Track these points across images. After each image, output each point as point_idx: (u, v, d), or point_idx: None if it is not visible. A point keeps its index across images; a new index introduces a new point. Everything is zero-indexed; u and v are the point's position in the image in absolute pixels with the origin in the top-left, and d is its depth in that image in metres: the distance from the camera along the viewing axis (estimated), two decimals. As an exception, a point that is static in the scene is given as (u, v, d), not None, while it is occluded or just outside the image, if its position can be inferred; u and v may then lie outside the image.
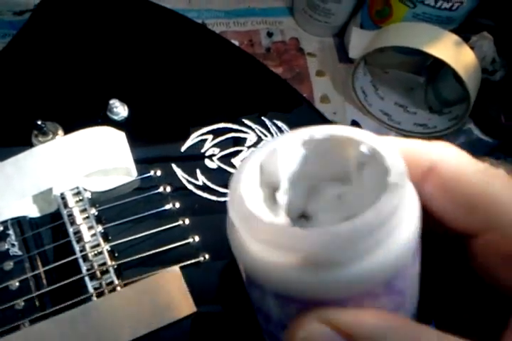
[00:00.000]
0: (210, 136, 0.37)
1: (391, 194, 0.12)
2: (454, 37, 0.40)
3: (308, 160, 0.16)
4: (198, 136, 0.37)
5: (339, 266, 0.12)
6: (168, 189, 0.34)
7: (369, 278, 0.12)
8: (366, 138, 0.14)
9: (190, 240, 0.32)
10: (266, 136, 0.37)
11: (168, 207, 0.33)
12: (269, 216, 0.15)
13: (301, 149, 0.15)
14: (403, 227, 0.13)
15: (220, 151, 0.36)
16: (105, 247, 0.31)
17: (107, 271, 0.30)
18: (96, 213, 0.33)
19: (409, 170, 0.13)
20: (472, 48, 0.41)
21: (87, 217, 0.32)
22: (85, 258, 0.31)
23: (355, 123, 0.49)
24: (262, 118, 0.38)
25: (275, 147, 0.15)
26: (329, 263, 0.12)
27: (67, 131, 0.35)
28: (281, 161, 0.15)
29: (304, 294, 0.13)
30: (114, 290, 0.30)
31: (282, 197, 0.16)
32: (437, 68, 0.48)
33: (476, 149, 0.46)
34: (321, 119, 0.39)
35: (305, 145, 0.15)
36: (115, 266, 0.31)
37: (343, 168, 0.16)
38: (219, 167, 0.36)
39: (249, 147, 0.37)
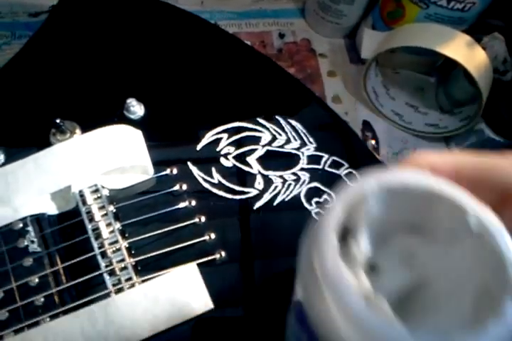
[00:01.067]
0: (225, 135, 0.37)
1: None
2: (467, 37, 0.41)
3: (388, 208, 0.15)
4: (213, 135, 0.37)
5: None
6: (184, 187, 0.35)
7: None
8: (471, 206, 0.13)
9: (206, 238, 0.33)
10: (280, 134, 0.38)
11: (184, 204, 0.34)
12: (352, 279, 0.13)
13: (386, 196, 0.15)
14: None
15: (235, 150, 0.36)
16: (123, 244, 0.31)
17: (125, 268, 0.31)
18: (114, 210, 0.33)
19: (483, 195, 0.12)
20: (484, 49, 0.42)
21: (105, 214, 0.32)
22: (104, 254, 0.31)
23: (366, 124, 0.49)
24: (277, 117, 0.38)
25: (363, 192, 0.14)
26: None
27: (84, 130, 0.35)
28: (366, 207, 0.15)
29: None
30: (132, 286, 0.30)
31: (357, 247, 0.15)
32: (448, 69, 0.48)
33: (487, 149, 0.46)
34: (335, 118, 0.39)
35: (392, 193, 0.14)
36: (133, 263, 0.31)
37: (427, 222, 0.15)
38: (234, 165, 0.36)
39: (263, 145, 0.37)
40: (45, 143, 0.35)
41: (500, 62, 0.43)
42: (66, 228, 0.32)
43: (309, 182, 0.36)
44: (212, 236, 0.33)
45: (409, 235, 0.16)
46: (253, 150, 0.37)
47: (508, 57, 0.43)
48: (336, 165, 0.37)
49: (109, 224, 0.32)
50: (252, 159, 0.36)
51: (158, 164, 0.35)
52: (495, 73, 0.43)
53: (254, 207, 0.35)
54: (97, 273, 0.30)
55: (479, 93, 0.40)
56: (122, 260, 0.31)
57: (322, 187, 0.36)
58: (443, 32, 0.40)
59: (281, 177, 0.36)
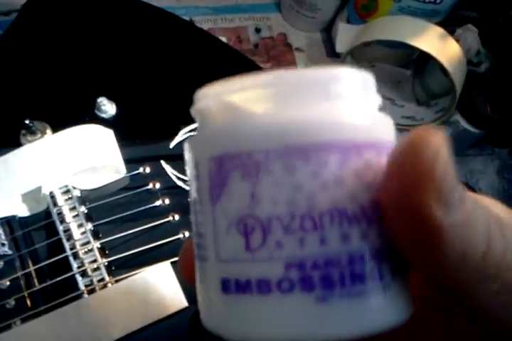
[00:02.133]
0: (198, 133, 0.37)
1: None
2: (439, 29, 0.41)
3: None
4: (186, 133, 0.37)
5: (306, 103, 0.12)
6: (158, 185, 0.34)
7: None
8: None
9: (181, 236, 0.33)
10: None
11: (157, 203, 0.34)
12: None
13: None
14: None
15: (209, 147, 0.36)
16: (95, 245, 0.31)
17: (97, 268, 0.31)
18: (86, 211, 0.33)
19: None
20: (457, 41, 0.42)
21: (77, 215, 0.32)
22: (76, 255, 0.31)
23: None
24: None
25: None
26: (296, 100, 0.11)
27: (55, 130, 0.35)
28: None
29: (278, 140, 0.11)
30: (105, 287, 0.30)
31: None
32: (424, 61, 0.48)
33: (463, 140, 0.47)
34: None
35: None
36: (106, 263, 0.31)
37: None
38: (208, 163, 0.36)
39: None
40: (15, 144, 0.34)
41: (474, 54, 0.43)
42: (37, 230, 0.32)
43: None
44: (187, 234, 0.33)
45: None
46: (227, 147, 0.37)
47: (481, 49, 0.43)
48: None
49: (80, 225, 0.32)
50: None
51: (130, 163, 0.35)
52: (469, 65, 0.43)
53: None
54: (68, 274, 0.30)
55: (453, 85, 0.41)
56: (95, 261, 0.31)
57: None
58: (415, 25, 0.40)
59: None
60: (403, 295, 0.12)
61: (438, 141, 0.10)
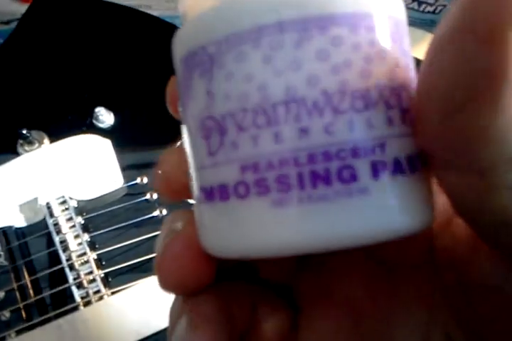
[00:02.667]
0: (196, 143, 0.37)
1: None
2: (438, 40, 0.41)
3: None
4: (184, 143, 0.37)
5: None
6: (155, 196, 0.34)
7: None
8: None
9: (178, 247, 0.32)
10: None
11: (155, 213, 0.33)
12: None
13: None
14: None
15: (207, 157, 0.36)
16: (92, 256, 0.31)
17: (94, 280, 0.30)
18: (82, 221, 0.32)
19: None
20: (457, 51, 0.42)
21: (74, 226, 0.32)
22: (72, 267, 0.30)
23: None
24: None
25: None
26: None
27: (52, 140, 0.35)
28: None
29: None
30: (101, 298, 0.30)
31: None
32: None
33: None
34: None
35: None
36: (102, 275, 0.31)
37: None
38: (206, 173, 0.36)
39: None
40: (13, 154, 0.34)
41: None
42: (34, 241, 0.32)
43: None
44: (184, 245, 0.33)
45: None
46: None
47: (481, 59, 0.43)
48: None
49: (77, 236, 0.31)
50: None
51: (128, 173, 0.35)
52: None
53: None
54: (64, 286, 0.30)
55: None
56: (91, 272, 0.31)
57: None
58: (413, 34, 0.40)
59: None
60: (394, 201, 0.10)
61: None
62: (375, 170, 0.10)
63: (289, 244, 0.10)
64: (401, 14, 0.11)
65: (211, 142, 0.10)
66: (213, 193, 0.10)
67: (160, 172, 0.13)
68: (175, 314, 0.13)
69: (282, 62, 0.10)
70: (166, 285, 0.12)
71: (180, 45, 0.11)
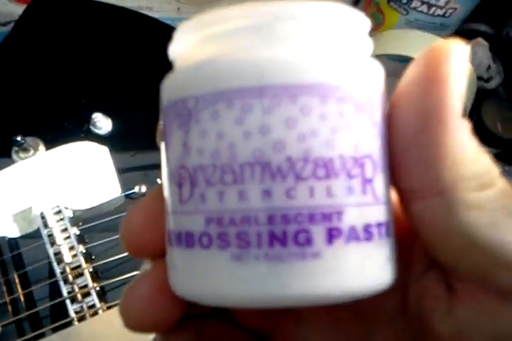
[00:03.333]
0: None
1: None
2: (448, 44, 0.39)
3: None
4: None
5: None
6: (154, 205, 0.33)
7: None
8: None
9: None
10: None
11: (153, 224, 0.32)
12: None
13: None
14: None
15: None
16: (87, 268, 0.30)
17: (89, 294, 0.29)
18: (78, 232, 0.31)
19: None
20: (467, 55, 0.40)
21: (69, 237, 0.31)
22: (66, 280, 0.29)
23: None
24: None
25: None
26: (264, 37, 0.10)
27: (48, 147, 0.34)
28: None
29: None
30: (96, 313, 0.29)
31: None
32: (432, 75, 0.47)
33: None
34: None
35: None
36: (97, 288, 0.30)
37: None
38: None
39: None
40: (7, 162, 0.33)
41: (485, 69, 0.42)
42: (27, 252, 0.31)
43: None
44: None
45: None
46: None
47: (492, 64, 0.42)
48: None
49: (72, 248, 0.30)
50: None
51: (126, 181, 0.33)
52: (479, 80, 0.41)
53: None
54: (58, 300, 0.29)
55: (462, 101, 0.39)
56: (86, 286, 0.29)
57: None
58: (423, 38, 0.39)
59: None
60: (344, 267, 0.10)
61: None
62: (330, 236, 0.10)
63: (243, 297, 0.10)
64: (375, 85, 0.11)
65: (183, 190, 0.11)
66: (181, 239, 0.11)
67: (125, 231, 0.13)
68: None
69: (252, 125, 0.10)
70: (127, 324, 0.13)
71: (165, 92, 0.12)
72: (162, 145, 0.12)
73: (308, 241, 0.10)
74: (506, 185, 0.11)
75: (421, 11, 0.40)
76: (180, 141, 0.11)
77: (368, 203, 0.11)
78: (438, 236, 0.11)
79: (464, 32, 0.44)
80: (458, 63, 0.11)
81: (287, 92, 0.10)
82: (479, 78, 0.42)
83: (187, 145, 0.11)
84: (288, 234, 0.10)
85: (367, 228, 0.11)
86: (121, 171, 0.33)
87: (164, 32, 0.41)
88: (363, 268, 0.11)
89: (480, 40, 0.42)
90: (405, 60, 0.43)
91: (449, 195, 0.10)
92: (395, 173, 0.11)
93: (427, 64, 0.11)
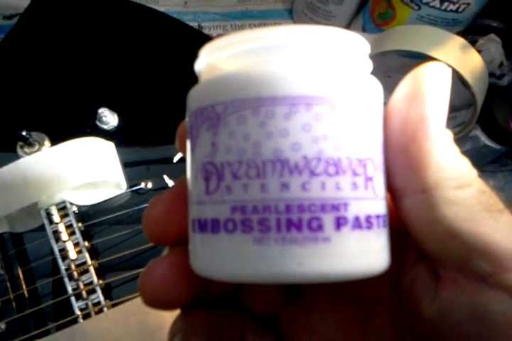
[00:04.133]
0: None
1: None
2: (460, 40, 0.38)
3: None
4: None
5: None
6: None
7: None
8: None
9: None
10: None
11: (159, 221, 0.32)
12: None
13: None
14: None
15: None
16: (92, 265, 0.29)
17: (94, 291, 0.29)
18: (83, 228, 0.31)
19: None
20: (479, 51, 0.39)
21: (74, 233, 0.30)
22: (71, 276, 0.29)
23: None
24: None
25: None
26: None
27: (54, 142, 0.33)
28: None
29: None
30: (101, 311, 0.28)
31: None
32: (442, 72, 0.46)
33: (483, 156, 0.44)
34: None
35: None
36: (103, 285, 0.29)
37: None
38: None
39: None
40: (12, 157, 0.33)
41: (497, 65, 0.41)
42: (32, 248, 0.31)
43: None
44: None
45: None
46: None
47: (504, 61, 0.41)
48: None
49: (77, 244, 0.30)
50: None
51: (132, 178, 0.33)
52: (491, 77, 0.41)
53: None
54: (63, 297, 0.28)
55: (474, 98, 0.38)
56: (91, 282, 0.29)
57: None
58: (435, 34, 0.38)
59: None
60: (349, 250, 0.12)
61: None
62: (338, 223, 0.12)
63: (263, 274, 0.12)
64: (377, 99, 0.13)
65: (210, 183, 0.13)
66: (206, 225, 0.13)
67: (148, 218, 0.15)
68: (172, 331, 0.15)
69: (274, 128, 0.12)
70: (145, 300, 0.14)
71: (193, 100, 0.13)
72: (188, 145, 0.14)
73: (320, 227, 0.12)
74: (482, 185, 0.13)
75: (433, 6, 0.39)
76: (209, 141, 0.13)
77: (369, 197, 0.12)
78: (423, 229, 0.13)
79: (476, 28, 0.43)
80: (439, 82, 0.13)
81: (304, 102, 0.12)
82: (491, 75, 0.41)
83: (215, 145, 0.13)
84: (303, 221, 0.12)
85: (368, 218, 0.12)
86: (127, 166, 0.33)
87: (171, 25, 0.40)
88: (365, 252, 0.12)
89: (492, 36, 0.41)
90: (416, 56, 0.42)
91: (432, 193, 0.12)
92: (388, 174, 0.13)
93: (413, 83, 0.13)
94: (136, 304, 0.28)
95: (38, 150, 0.33)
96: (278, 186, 0.12)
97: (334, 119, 0.12)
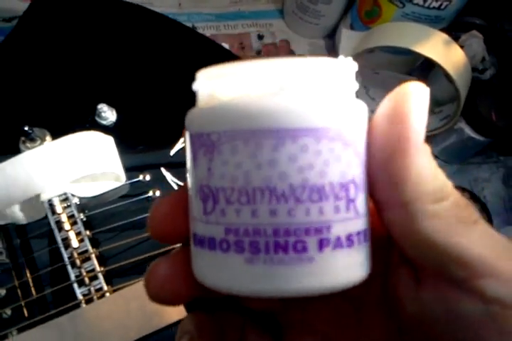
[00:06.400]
0: (199, 140, 0.36)
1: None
2: (443, 36, 0.40)
3: None
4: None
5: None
6: (158, 193, 0.34)
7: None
8: None
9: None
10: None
11: (157, 211, 0.33)
12: None
13: None
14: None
15: (210, 154, 0.36)
16: (94, 253, 0.31)
17: (96, 277, 0.30)
18: (84, 219, 0.32)
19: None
20: (462, 47, 0.41)
21: (75, 223, 0.32)
22: (74, 264, 0.30)
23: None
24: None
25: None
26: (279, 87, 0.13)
27: (55, 137, 0.34)
28: None
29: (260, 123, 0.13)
30: (103, 296, 0.30)
31: None
32: (428, 68, 0.47)
33: (468, 148, 0.46)
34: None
35: None
36: (104, 272, 0.30)
37: None
38: (208, 170, 0.35)
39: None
40: (14, 151, 0.34)
41: (479, 60, 0.43)
42: (36, 238, 0.32)
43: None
44: (187, 243, 0.32)
45: None
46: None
47: (486, 56, 0.43)
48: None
49: (79, 233, 0.31)
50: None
51: (130, 170, 0.34)
52: (474, 72, 0.42)
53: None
54: (66, 283, 0.30)
55: (457, 92, 0.40)
56: (93, 270, 0.30)
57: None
58: (419, 31, 0.40)
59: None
60: (331, 267, 0.13)
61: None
62: (321, 245, 0.13)
63: (255, 290, 0.14)
64: (360, 122, 0.14)
65: (207, 205, 0.14)
66: (204, 242, 0.14)
67: (153, 218, 0.16)
68: (180, 331, 0.17)
69: (263, 159, 0.13)
70: (149, 296, 0.16)
71: (191, 124, 0.14)
72: (188, 161, 0.14)
73: (305, 249, 0.13)
74: (458, 198, 0.14)
75: (417, 4, 0.41)
76: (206, 165, 0.14)
77: (350, 218, 0.14)
78: (403, 239, 0.14)
79: (458, 24, 0.45)
80: (417, 103, 0.13)
81: (290, 134, 0.13)
82: (474, 69, 0.42)
83: (211, 170, 0.14)
84: (289, 244, 0.13)
85: (349, 237, 0.14)
86: (127, 164, 0.34)
87: (167, 25, 0.42)
88: (346, 267, 0.14)
89: (474, 32, 0.43)
90: (401, 52, 0.44)
91: (411, 207, 0.13)
92: (371, 188, 0.14)
93: (393, 103, 0.13)
94: (136, 289, 0.29)
95: (39, 144, 0.34)
96: (267, 212, 0.13)
97: (319, 149, 0.13)
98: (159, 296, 0.16)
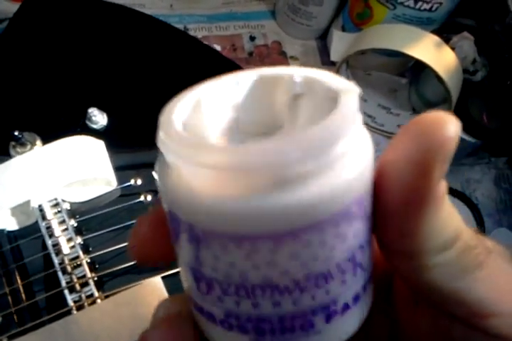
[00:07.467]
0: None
1: (345, 97, 0.11)
2: (434, 38, 0.40)
3: (239, 109, 0.14)
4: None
5: (287, 186, 0.10)
6: (150, 198, 0.34)
7: (313, 206, 0.11)
8: (298, 71, 0.13)
9: (172, 249, 0.32)
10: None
11: (149, 216, 0.33)
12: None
13: (230, 98, 0.14)
14: (357, 152, 0.11)
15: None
16: (85, 259, 0.31)
17: (87, 284, 0.30)
18: (75, 224, 0.32)
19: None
20: (453, 49, 0.41)
21: (66, 229, 0.31)
22: (64, 270, 0.30)
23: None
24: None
25: (198, 98, 0.13)
26: (272, 183, 0.10)
27: (45, 141, 0.34)
28: (207, 115, 0.13)
29: (239, 227, 0.11)
30: (94, 302, 0.29)
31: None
32: (420, 69, 0.48)
33: (459, 149, 0.46)
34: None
35: (233, 92, 0.13)
36: (95, 278, 0.30)
37: (275, 114, 0.14)
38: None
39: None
40: (5, 156, 0.34)
41: (470, 62, 0.43)
42: (26, 244, 0.32)
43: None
44: (178, 247, 0.32)
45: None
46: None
47: (477, 57, 0.43)
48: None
49: (70, 239, 0.31)
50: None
51: (122, 175, 0.34)
52: (465, 73, 0.42)
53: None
54: (56, 290, 0.29)
55: (448, 93, 0.40)
56: (84, 276, 0.30)
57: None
58: (410, 33, 0.40)
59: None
60: (338, 330, 0.13)
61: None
62: (328, 318, 0.12)
63: None
64: (362, 200, 0.12)
65: (200, 286, 0.12)
66: (203, 312, 0.13)
67: (134, 240, 0.15)
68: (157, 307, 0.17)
69: (260, 261, 0.11)
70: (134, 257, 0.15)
71: (166, 197, 0.12)
72: (170, 230, 0.13)
73: (312, 326, 0.12)
74: (468, 238, 0.13)
75: (408, 6, 0.41)
76: (193, 252, 0.12)
77: (356, 280, 0.13)
78: (407, 280, 0.14)
79: (449, 26, 0.45)
80: (450, 149, 0.11)
81: (290, 234, 0.11)
82: (465, 71, 0.43)
83: (199, 259, 0.12)
84: (296, 326, 0.12)
85: (356, 296, 0.13)
86: (116, 164, 0.34)
87: (158, 28, 0.41)
88: (352, 322, 0.13)
89: (465, 34, 0.43)
90: (392, 54, 0.44)
91: (417, 259, 0.13)
92: (378, 233, 0.13)
93: (419, 147, 0.11)
94: (127, 295, 0.29)
95: (30, 149, 0.34)
96: (270, 304, 0.12)
97: (323, 239, 0.11)
98: (142, 255, 0.15)
